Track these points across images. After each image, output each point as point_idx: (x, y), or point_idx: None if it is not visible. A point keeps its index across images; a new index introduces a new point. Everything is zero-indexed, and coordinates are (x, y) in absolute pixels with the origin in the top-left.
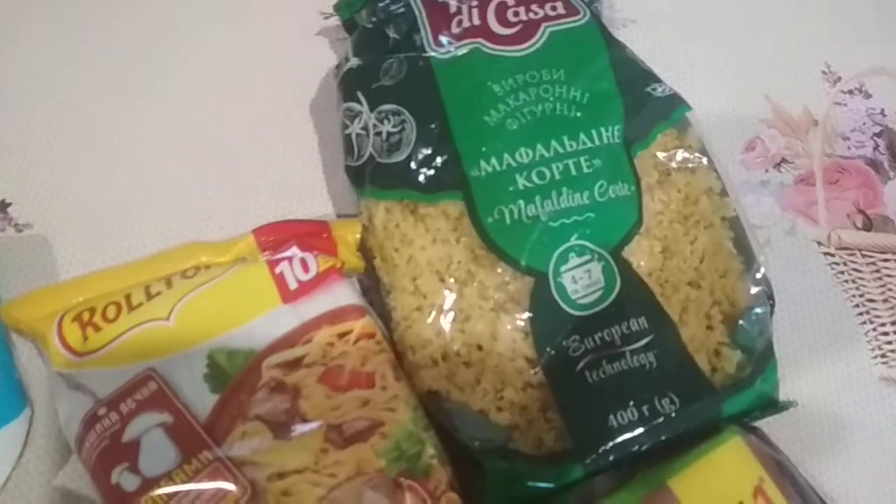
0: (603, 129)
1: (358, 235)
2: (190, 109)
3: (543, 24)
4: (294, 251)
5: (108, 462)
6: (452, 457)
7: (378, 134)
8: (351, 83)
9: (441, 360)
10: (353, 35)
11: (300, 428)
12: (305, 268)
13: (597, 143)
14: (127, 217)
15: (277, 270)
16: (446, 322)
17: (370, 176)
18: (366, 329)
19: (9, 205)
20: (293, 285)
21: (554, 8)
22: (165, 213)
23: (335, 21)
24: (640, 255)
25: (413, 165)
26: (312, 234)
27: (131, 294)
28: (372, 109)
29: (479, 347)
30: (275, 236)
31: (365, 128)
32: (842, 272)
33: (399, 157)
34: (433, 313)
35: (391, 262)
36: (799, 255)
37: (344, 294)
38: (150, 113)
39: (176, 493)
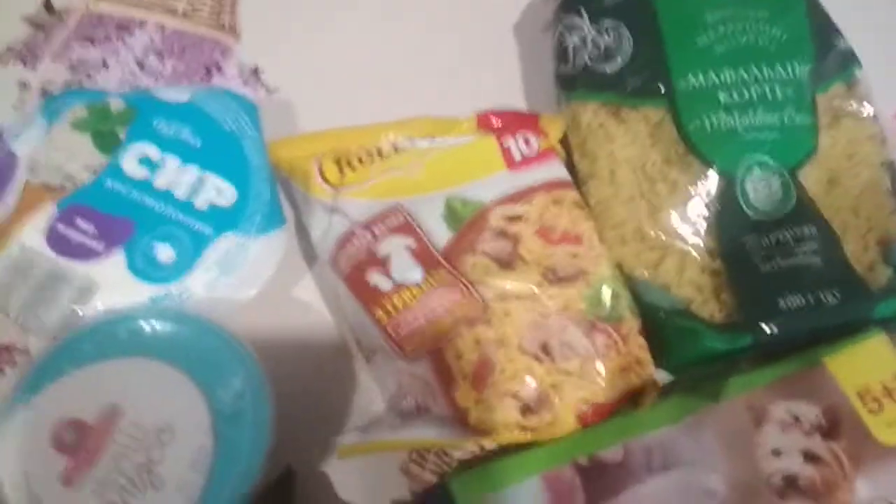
0: (797, 65)
1: (560, 130)
2: (416, 17)
3: None
4: (517, 130)
5: (365, 268)
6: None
7: (596, 45)
8: (573, 0)
9: (631, 240)
10: None
11: (521, 265)
12: (528, 144)
13: (790, 75)
14: (359, 92)
15: (505, 143)
16: (639, 209)
17: (582, 80)
18: (576, 200)
19: (262, 71)
20: (518, 157)
21: None
22: (390, 93)
23: None
24: (812, 179)
25: (625, 74)
26: (527, 123)
27: (381, 146)
28: (593, 23)
29: (665, 234)
30: (495, 119)
31: (583, 39)
32: None
33: (612, 67)
34: (626, 201)
35: (592, 156)
36: None
37: (559, 170)
38: (390, 10)
39: (423, 295)
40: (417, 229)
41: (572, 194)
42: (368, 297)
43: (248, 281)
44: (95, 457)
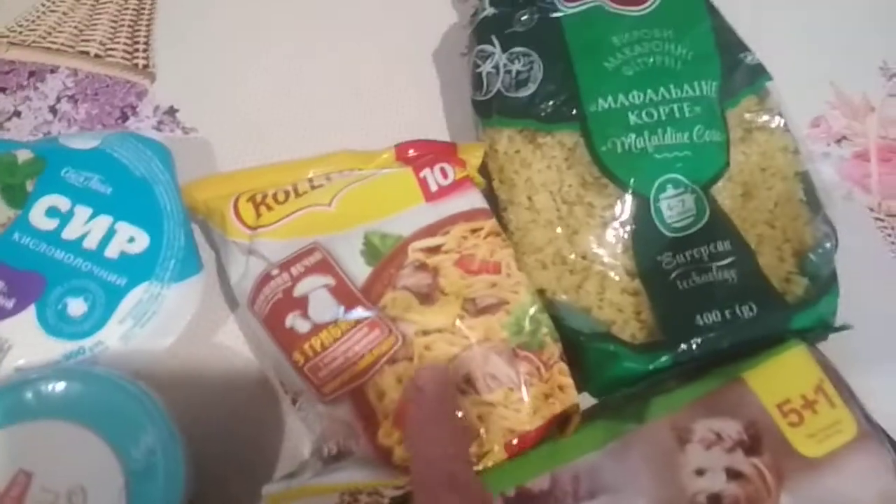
0: (703, 83)
1: (479, 158)
2: (332, 50)
3: None
4: (434, 162)
5: (282, 310)
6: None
7: (508, 72)
8: (486, 28)
9: (551, 265)
10: None
11: (441, 297)
12: (444, 175)
13: (697, 93)
14: (277, 129)
15: (421, 175)
16: (557, 233)
17: (497, 108)
18: (494, 228)
19: (177, 111)
20: (434, 188)
21: None
22: (309, 128)
23: None
24: (725, 194)
25: (537, 100)
26: (444, 152)
27: (297, 184)
28: (504, 51)
29: (584, 257)
30: (413, 150)
31: (496, 67)
32: (889, 234)
33: (525, 93)
34: (545, 225)
35: (510, 182)
36: (854, 217)
37: (476, 199)
38: (305, 46)
39: (342, 335)
40: (335, 267)
41: (490, 223)
42: (286, 340)
43: (164, 330)
44: None
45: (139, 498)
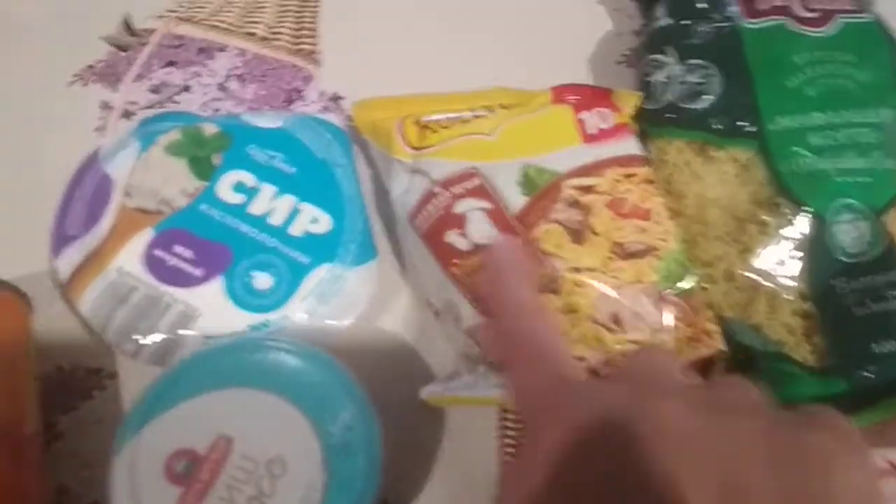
0: (884, 111)
1: (633, 106)
2: (485, 52)
3: (837, 15)
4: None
5: (442, 227)
6: None
7: (682, 83)
8: (661, 38)
9: (721, 280)
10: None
11: (591, 237)
12: (603, 119)
13: (877, 120)
14: None
15: (580, 116)
16: (728, 249)
17: (667, 118)
18: (647, 175)
19: (342, 98)
20: (592, 130)
21: (845, 3)
22: None
23: None
24: None
25: (712, 113)
26: (601, 97)
27: (461, 112)
28: (679, 62)
29: (755, 275)
30: (569, 94)
31: (669, 77)
32: None
33: (700, 105)
34: (714, 240)
35: (678, 193)
36: None
37: (632, 146)
38: (459, 46)
39: None
40: (493, 193)
41: (644, 170)
42: (445, 254)
43: (344, 311)
44: (208, 488)
45: (338, 473)
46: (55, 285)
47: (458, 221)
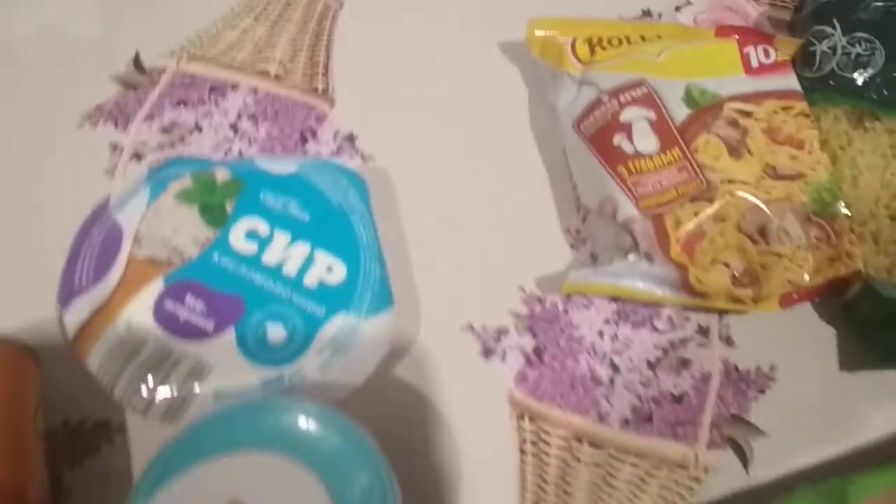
0: None
1: (792, 53)
2: (505, 88)
3: None
4: (757, 42)
5: (610, 131)
6: None
7: (846, 54)
8: (828, 11)
9: (868, 240)
10: None
11: (747, 155)
12: (766, 55)
13: None
14: (457, 159)
15: (745, 50)
16: (878, 214)
17: (828, 86)
18: (804, 110)
19: (356, 137)
20: (755, 64)
21: None
22: (485, 161)
23: None
24: None
25: (873, 84)
26: (763, 37)
27: (629, 35)
28: (845, 34)
29: None
30: (734, 32)
31: (832, 48)
32: None
33: (861, 76)
34: (867, 204)
35: (833, 154)
36: None
37: (792, 82)
38: (479, 81)
39: (655, 169)
40: (658, 103)
41: (801, 105)
42: (612, 156)
43: (359, 364)
44: None
45: None
46: (63, 338)
47: (624, 127)
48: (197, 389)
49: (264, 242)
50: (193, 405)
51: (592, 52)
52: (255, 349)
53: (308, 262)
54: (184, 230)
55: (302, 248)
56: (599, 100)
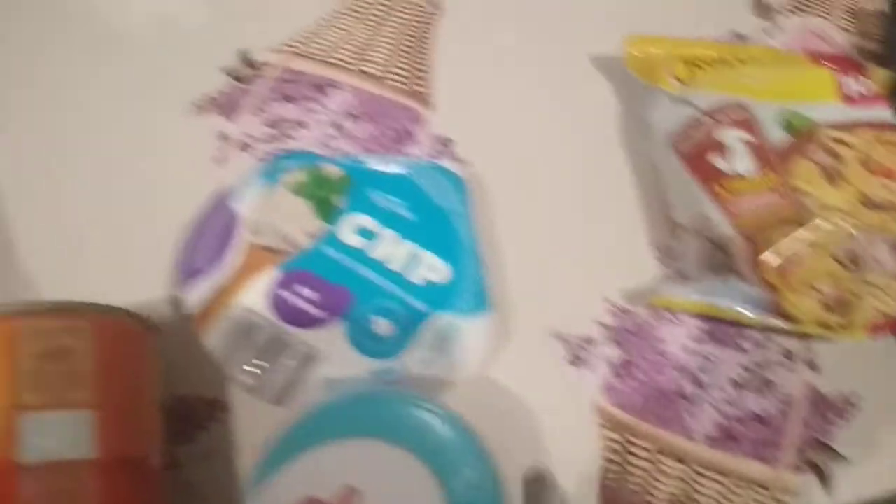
0: None
1: (884, 87)
2: (604, 95)
3: None
4: (852, 72)
5: (707, 151)
6: None
7: None
8: None
9: None
10: None
11: (842, 183)
12: (861, 86)
13: None
14: (551, 168)
15: (840, 79)
16: None
17: None
18: None
19: (453, 142)
20: (851, 93)
21: None
22: (584, 169)
23: None
24: None
25: None
26: (857, 67)
27: (726, 57)
28: None
29: None
30: (828, 60)
31: None
32: None
33: None
34: None
35: None
36: None
37: (886, 115)
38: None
39: (752, 190)
40: (755, 125)
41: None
42: (708, 175)
43: (459, 362)
44: None
45: None
46: (177, 315)
47: (721, 147)
48: (309, 374)
49: (372, 238)
50: (304, 390)
51: (690, 71)
52: (363, 340)
53: (414, 260)
54: (297, 221)
55: (408, 247)
56: (697, 119)
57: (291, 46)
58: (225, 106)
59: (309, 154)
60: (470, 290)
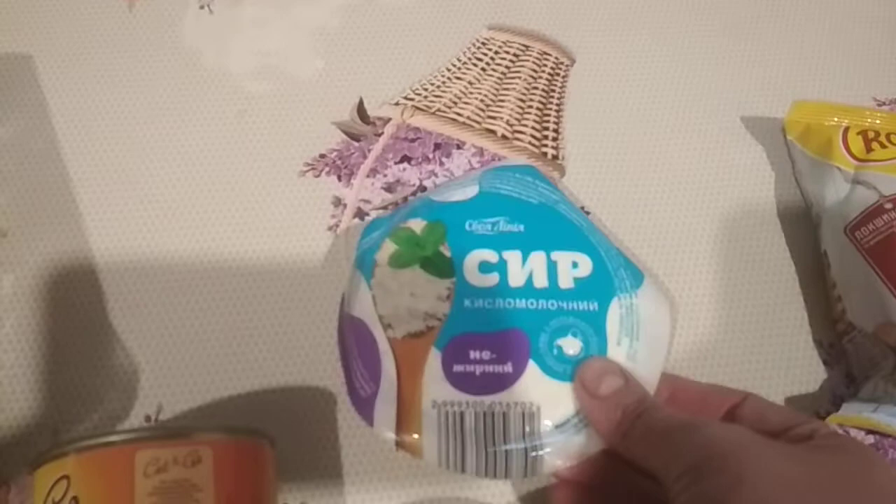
0: None
1: None
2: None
3: None
4: None
5: (891, 246)
6: None
7: None
8: None
9: None
10: None
11: None
12: None
13: None
14: (683, 241)
15: None
16: None
17: None
18: None
19: (588, 212)
20: None
21: None
22: (701, 237)
23: None
24: None
25: None
26: None
27: None
28: None
29: None
30: None
31: None
32: None
33: None
34: None
35: None
36: None
37: None
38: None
39: None
40: None
41: None
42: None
43: (657, 339)
44: None
45: None
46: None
47: None
48: (539, 431)
49: (501, 268)
50: (545, 449)
51: (868, 147)
52: (561, 369)
53: (552, 267)
54: (420, 293)
55: (538, 258)
56: (881, 206)
57: (410, 100)
58: (339, 166)
59: (377, 220)
60: (620, 266)
